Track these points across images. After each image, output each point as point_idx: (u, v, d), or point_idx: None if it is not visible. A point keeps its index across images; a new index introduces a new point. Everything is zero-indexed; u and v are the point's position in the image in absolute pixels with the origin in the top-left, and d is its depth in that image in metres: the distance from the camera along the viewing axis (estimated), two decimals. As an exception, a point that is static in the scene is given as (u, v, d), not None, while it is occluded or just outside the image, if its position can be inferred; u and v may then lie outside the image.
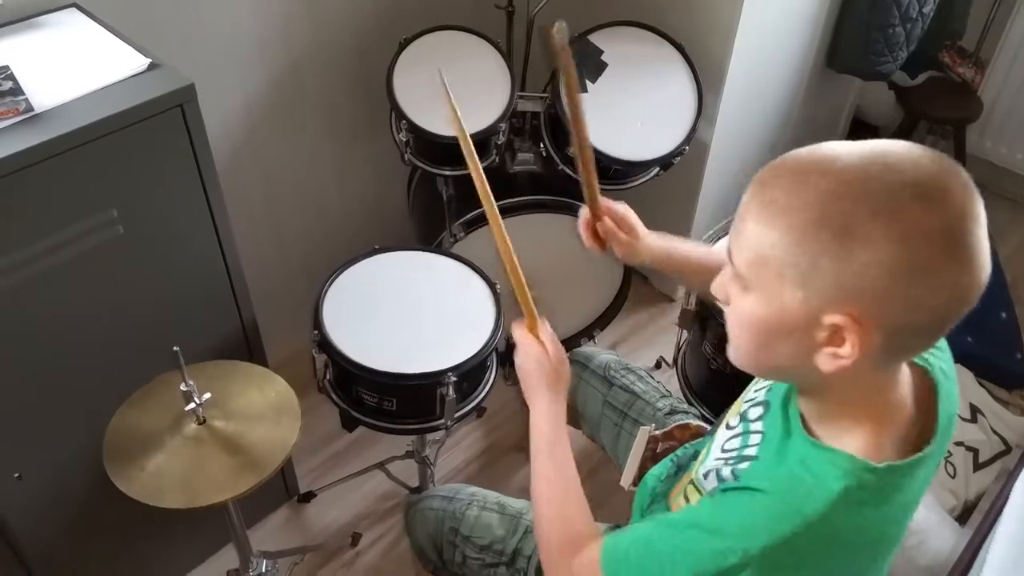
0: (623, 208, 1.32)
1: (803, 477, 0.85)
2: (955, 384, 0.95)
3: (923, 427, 0.88)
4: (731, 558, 0.83)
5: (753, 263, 0.80)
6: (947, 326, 0.80)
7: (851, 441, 0.85)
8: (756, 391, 1.04)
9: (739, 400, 1.09)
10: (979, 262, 0.75)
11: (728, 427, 1.04)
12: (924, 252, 0.73)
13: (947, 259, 0.74)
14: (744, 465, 0.95)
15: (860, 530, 0.84)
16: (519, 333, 1.20)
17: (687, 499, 1.06)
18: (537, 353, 1.17)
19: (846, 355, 0.78)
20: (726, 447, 1.01)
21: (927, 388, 0.91)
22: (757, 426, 0.98)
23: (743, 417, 1.02)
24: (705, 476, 1.00)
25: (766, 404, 0.99)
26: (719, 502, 0.90)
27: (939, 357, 0.94)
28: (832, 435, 0.87)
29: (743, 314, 0.84)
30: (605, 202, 1.31)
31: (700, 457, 1.10)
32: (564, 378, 1.17)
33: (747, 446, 0.97)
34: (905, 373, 0.88)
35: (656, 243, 1.33)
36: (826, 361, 0.80)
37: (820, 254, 0.75)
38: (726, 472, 0.95)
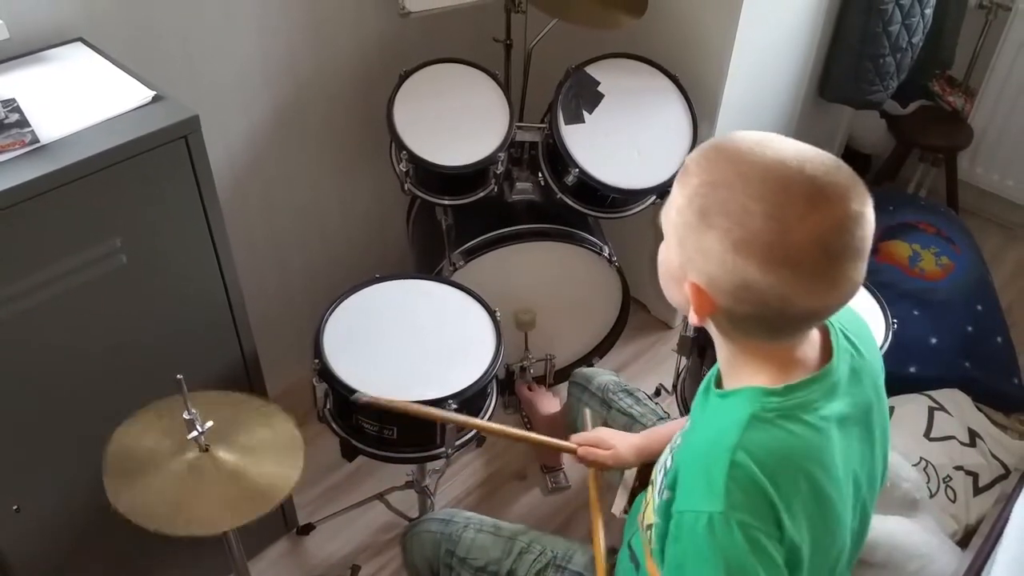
0: (593, 434, 1.42)
1: (715, 421, 0.92)
2: (869, 343, 1.01)
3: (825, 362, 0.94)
4: (719, 528, 0.84)
5: (664, 215, 0.91)
6: (803, 324, 0.89)
7: (755, 380, 0.91)
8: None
9: None
10: (823, 282, 0.82)
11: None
12: (753, 258, 0.81)
13: (776, 270, 0.80)
14: (678, 440, 1.00)
15: (779, 447, 0.87)
16: None
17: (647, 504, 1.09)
18: None
19: (693, 317, 0.90)
20: (675, 442, 1.06)
21: (827, 336, 0.96)
22: (693, 412, 1.04)
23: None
24: (658, 471, 1.04)
25: (698, 395, 1.05)
26: (672, 516, 0.92)
27: (841, 319, 0.98)
28: (737, 381, 0.94)
29: (659, 254, 0.95)
30: (578, 436, 1.42)
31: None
32: None
33: (684, 429, 1.03)
34: (813, 335, 0.94)
35: (647, 443, 1.38)
36: (691, 315, 0.90)
37: (688, 226, 0.85)
38: (669, 460, 1.00)
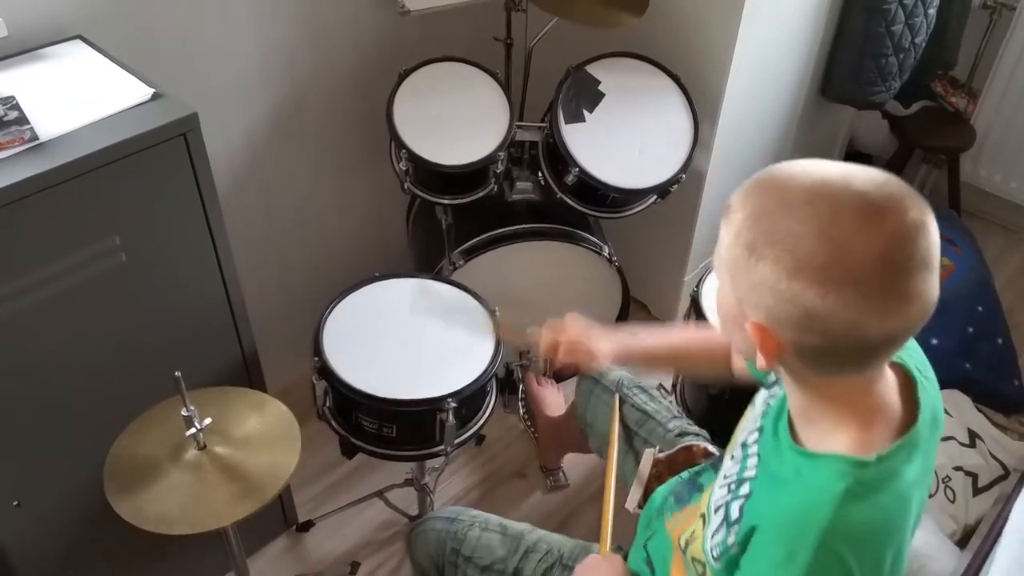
0: (570, 333, 1.43)
1: (802, 491, 0.87)
2: (933, 381, 0.97)
3: (910, 418, 0.90)
4: None
5: (715, 257, 0.88)
6: (880, 352, 0.83)
7: (839, 440, 0.87)
8: (753, 418, 1.05)
9: (738, 429, 1.10)
10: (893, 299, 0.77)
11: (732, 457, 1.05)
12: (808, 282, 0.77)
13: (836, 291, 0.76)
14: (745, 488, 0.96)
15: (870, 523, 0.84)
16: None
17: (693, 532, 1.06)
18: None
19: (761, 361, 0.85)
20: (727, 473, 1.02)
21: (907, 382, 0.92)
22: (753, 449, 0.99)
23: (743, 444, 1.03)
24: (716, 511, 1.00)
25: (761, 428, 1.00)
26: (743, 569, 0.90)
27: (912, 357, 0.95)
28: (819, 438, 0.89)
29: (716, 299, 0.92)
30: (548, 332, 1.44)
31: (708, 490, 1.10)
32: None
33: (745, 468, 0.98)
34: (888, 374, 0.90)
35: (628, 348, 1.41)
36: (759, 359, 0.85)
37: (738, 263, 0.82)
38: (734, 509, 0.95)
